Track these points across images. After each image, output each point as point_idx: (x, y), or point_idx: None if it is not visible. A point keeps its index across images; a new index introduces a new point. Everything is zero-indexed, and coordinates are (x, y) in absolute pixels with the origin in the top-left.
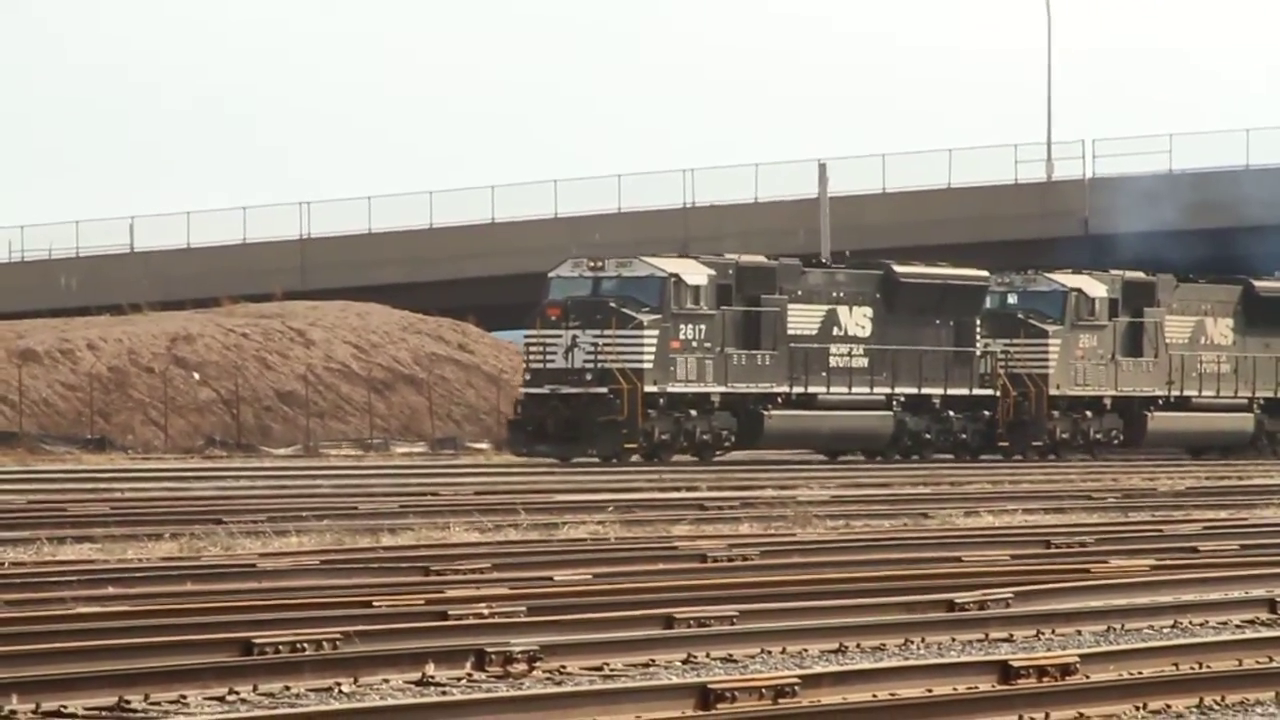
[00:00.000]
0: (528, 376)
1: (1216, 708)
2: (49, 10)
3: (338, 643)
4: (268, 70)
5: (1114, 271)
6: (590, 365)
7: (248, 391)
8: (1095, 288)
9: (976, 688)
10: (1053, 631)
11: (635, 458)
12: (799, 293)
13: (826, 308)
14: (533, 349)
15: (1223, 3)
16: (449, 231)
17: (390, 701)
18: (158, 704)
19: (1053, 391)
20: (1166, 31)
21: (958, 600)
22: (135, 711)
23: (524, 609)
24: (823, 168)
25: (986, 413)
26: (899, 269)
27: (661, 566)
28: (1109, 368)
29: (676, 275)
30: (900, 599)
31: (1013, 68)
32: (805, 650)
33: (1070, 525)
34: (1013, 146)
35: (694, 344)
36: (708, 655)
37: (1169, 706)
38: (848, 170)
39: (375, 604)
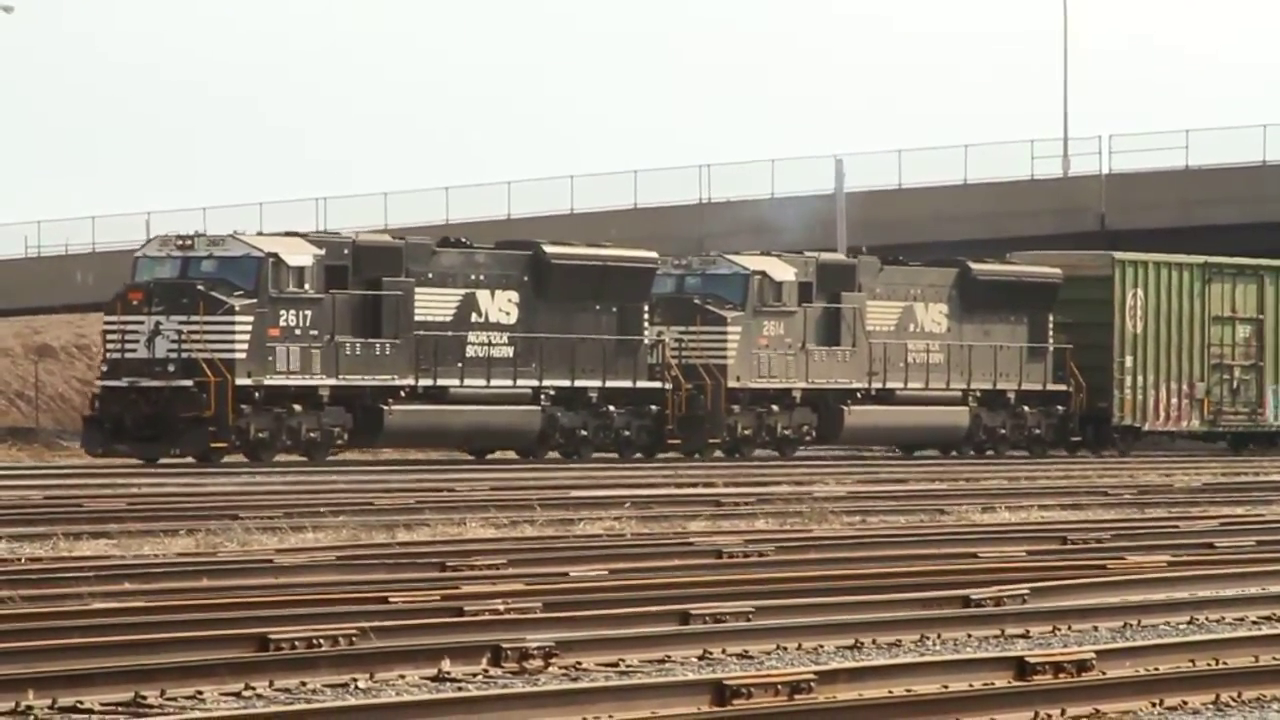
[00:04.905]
0: (104, 368)
1: (1233, 704)
2: (64, 6)
3: (354, 638)
4: (284, 66)
5: (808, 253)
6: (174, 355)
7: None
8: (783, 271)
9: (992, 684)
10: (1069, 627)
11: (238, 458)
12: (430, 275)
13: (463, 292)
14: (111, 337)
15: None
16: (465, 227)
17: (406, 698)
18: (174, 699)
19: (732, 384)
20: (1183, 27)
21: (974, 596)
22: (151, 707)
23: (540, 605)
24: (839, 163)
25: (654, 407)
26: (550, 249)
27: (677, 562)
28: (799, 358)
29: (275, 255)
30: (916, 595)
31: (1029, 63)
32: (821, 646)
33: (1086, 521)
34: (1029, 142)
35: (297, 331)
36: (723, 651)
37: (1185, 703)
38: (864, 166)
39: (391, 600)
